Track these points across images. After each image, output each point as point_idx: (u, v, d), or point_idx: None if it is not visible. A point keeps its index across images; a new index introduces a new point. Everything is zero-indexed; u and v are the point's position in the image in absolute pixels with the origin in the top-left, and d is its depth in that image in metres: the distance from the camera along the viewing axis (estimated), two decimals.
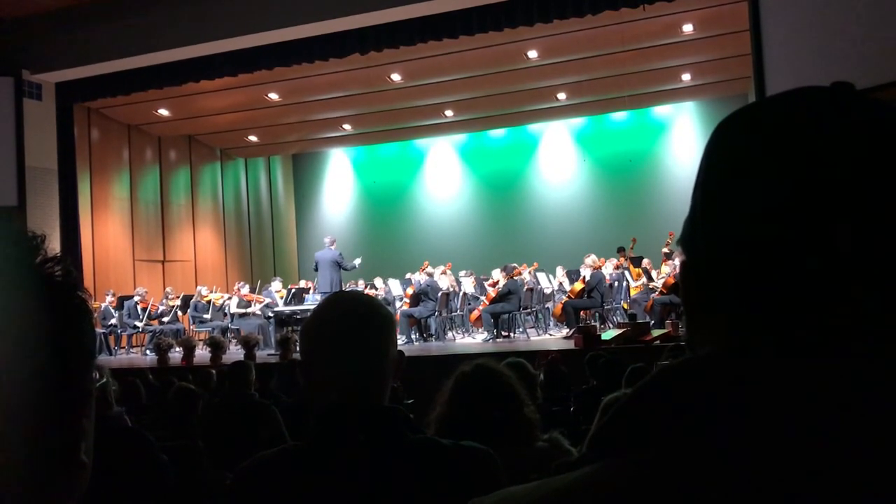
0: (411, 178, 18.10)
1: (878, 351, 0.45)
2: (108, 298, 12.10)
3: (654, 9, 9.79)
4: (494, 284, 11.16)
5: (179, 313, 12.51)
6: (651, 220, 14.39)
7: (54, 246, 0.54)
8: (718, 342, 0.51)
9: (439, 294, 11.09)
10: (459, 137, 17.62)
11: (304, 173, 19.33)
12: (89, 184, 13.25)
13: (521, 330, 11.01)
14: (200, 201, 16.62)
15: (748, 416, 0.45)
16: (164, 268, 15.37)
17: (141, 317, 11.92)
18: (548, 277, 12.82)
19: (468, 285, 12.10)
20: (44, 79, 11.54)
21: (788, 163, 0.48)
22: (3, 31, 11.10)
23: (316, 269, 11.62)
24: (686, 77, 13.64)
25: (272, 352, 10.02)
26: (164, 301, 12.54)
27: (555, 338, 10.60)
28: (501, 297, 10.59)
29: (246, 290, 12.54)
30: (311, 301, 11.41)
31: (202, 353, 10.18)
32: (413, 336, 11.07)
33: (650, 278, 11.40)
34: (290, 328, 10.48)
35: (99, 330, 11.18)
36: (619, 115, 16.37)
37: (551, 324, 11.84)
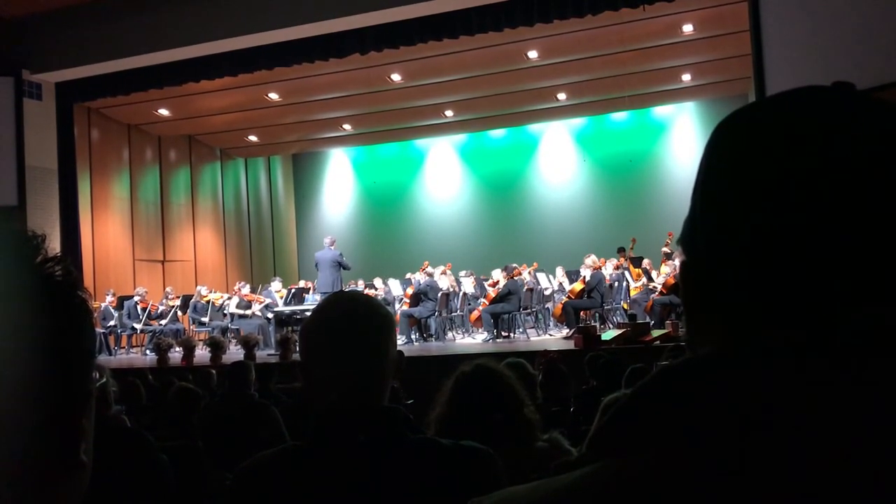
0: (411, 178, 18.10)
1: (878, 351, 0.45)
2: (108, 298, 12.10)
3: (654, 9, 9.79)
4: (494, 284, 11.16)
5: (179, 313, 12.52)
6: (651, 221, 14.39)
7: (54, 246, 0.54)
8: (719, 342, 0.51)
9: (439, 294, 11.09)
10: (459, 137, 17.62)
11: (304, 173, 19.34)
12: (89, 183, 13.25)
13: (520, 330, 11.01)
14: (200, 201, 16.62)
15: (748, 416, 0.45)
16: (164, 268, 15.37)
17: (141, 317, 11.92)
18: (548, 278, 12.83)
19: (468, 285, 12.10)
20: (44, 78, 11.54)
21: (789, 163, 0.48)
22: (3, 31, 11.10)
23: (316, 269, 11.63)
24: (686, 77, 13.64)
25: (272, 352, 10.02)
26: (164, 301, 12.54)
27: (555, 338, 10.60)
28: (501, 297, 10.60)
29: (246, 290, 12.54)
30: (311, 301, 11.41)
31: (202, 354, 10.18)
32: (413, 336, 11.07)
33: (650, 278, 11.40)
34: (289, 328, 10.48)
35: (99, 330, 11.18)
36: (620, 116, 16.37)
37: (551, 324, 11.84)
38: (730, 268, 0.50)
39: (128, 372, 7.16)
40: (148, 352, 11.42)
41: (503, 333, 10.79)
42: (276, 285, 12.96)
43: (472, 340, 11.22)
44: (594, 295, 10.51)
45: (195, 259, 16.20)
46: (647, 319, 9.90)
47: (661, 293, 10.40)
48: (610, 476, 0.48)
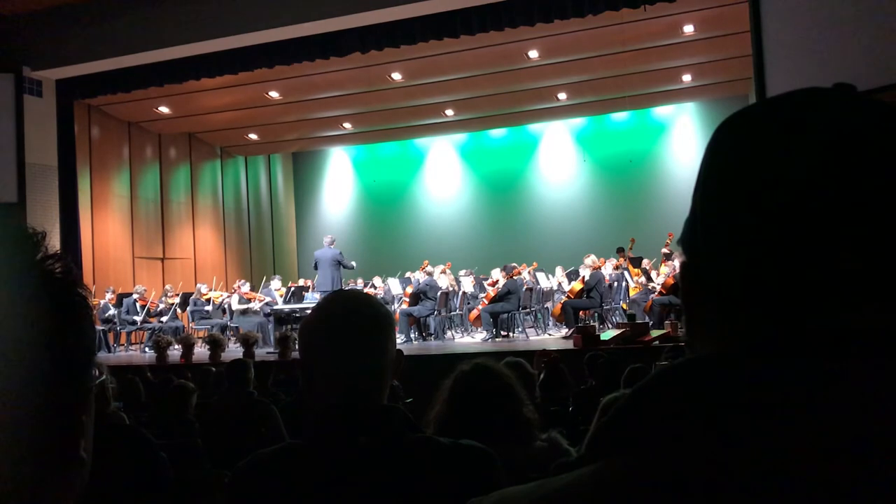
0: (411, 177, 18.10)
1: (879, 351, 0.45)
2: (108, 296, 12.11)
3: (654, 9, 9.79)
4: (494, 284, 11.16)
5: (178, 311, 12.52)
6: (651, 221, 14.40)
7: (54, 243, 0.54)
8: (719, 343, 0.51)
9: (438, 293, 11.09)
10: (460, 137, 17.62)
11: (304, 172, 19.34)
12: (89, 181, 13.25)
13: (520, 329, 11.02)
14: (200, 199, 16.62)
15: (748, 417, 0.45)
16: (164, 265, 15.37)
17: (140, 314, 11.92)
18: (547, 277, 12.83)
19: (467, 285, 12.10)
20: (44, 75, 11.53)
21: (790, 164, 0.48)
22: (3, 28, 11.10)
23: (316, 268, 11.63)
24: (687, 78, 13.64)
25: (271, 350, 10.03)
26: (164, 298, 12.55)
27: (554, 337, 10.60)
28: (501, 296, 10.60)
29: (246, 288, 12.55)
30: (311, 299, 11.41)
31: (201, 351, 10.18)
32: (412, 335, 11.07)
33: (649, 279, 11.40)
34: (289, 326, 10.49)
35: (98, 327, 11.18)
36: (620, 116, 16.37)
37: (550, 323, 11.85)
38: (730, 269, 0.50)
39: (127, 369, 7.16)
40: (147, 349, 11.42)
41: (502, 333, 10.79)
42: (275, 283, 12.98)
43: (471, 340, 11.23)
44: (593, 295, 10.52)
45: (195, 257, 16.20)
46: (646, 319, 9.91)
47: (660, 293, 10.40)
48: (609, 477, 0.48)
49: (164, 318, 12.06)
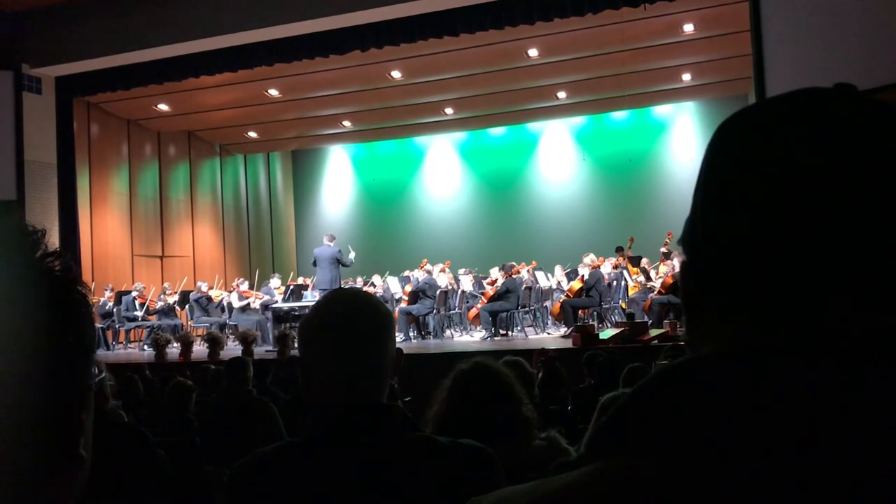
0: (411, 175, 18.10)
1: (879, 351, 0.45)
2: (107, 293, 12.11)
3: (654, 8, 9.79)
4: (493, 283, 11.17)
5: (178, 309, 12.52)
6: (650, 220, 14.41)
7: (53, 240, 0.54)
8: (718, 342, 0.51)
9: (438, 292, 11.10)
10: (459, 135, 17.62)
11: (303, 170, 19.33)
12: (88, 178, 13.24)
13: (519, 328, 11.02)
14: (199, 197, 16.62)
15: (748, 416, 0.45)
16: (163, 263, 15.37)
17: (139, 312, 11.92)
18: (546, 276, 12.83)
19: (467, 283, 12.11)
20: (43, 73, 11.52)
21: (790, 164, 0.48)
22: (2, 25, 11.08)
23: (315, 266, 11.62)
24: (686, 77, 13.64)
25: (270, 348, 10.02)
26: (163, 296, 12.54)
27: (553, 336, 10.61)
28: (500, 295, 10.60)
29: (245, 286, 12.55)
30: (310, 298, 11.41)
31: (200, 349, 10.18)
32: (411, 334, 11.07)
33: (648, 278, 11.41)
34: (288, 325, 10.48)
35: (97, 325, 11.18)
36: (619, 115, 16.38)
37: (549, 322, 11.85)
38: (730, 268, 0.50)
39: (125, 367, 7.16)
40: (146, 347, 11.42)
41: (501, 331, 10.79)
42: (274, 282, 12.97)
43: (470, 338, 11.23)
44: (592, 294, 10.52)
45: (194, 255, 16.20)
46: (645, 318, 9.91)
47: (659, 292, 10.40)
48: (608, 477, 0.48)
49: (163, 317, 12.04)
